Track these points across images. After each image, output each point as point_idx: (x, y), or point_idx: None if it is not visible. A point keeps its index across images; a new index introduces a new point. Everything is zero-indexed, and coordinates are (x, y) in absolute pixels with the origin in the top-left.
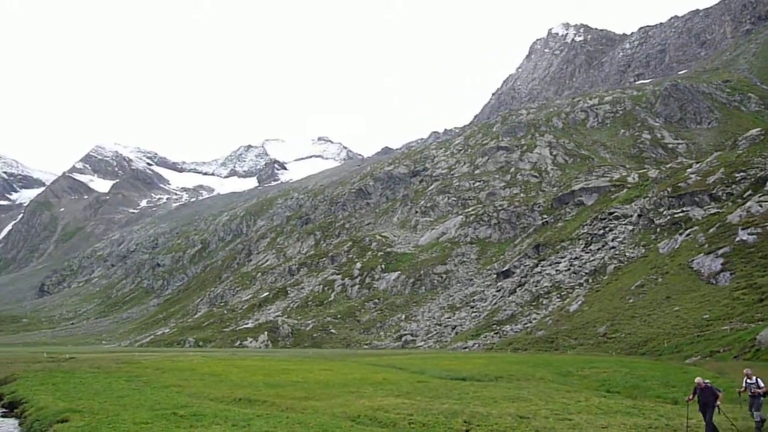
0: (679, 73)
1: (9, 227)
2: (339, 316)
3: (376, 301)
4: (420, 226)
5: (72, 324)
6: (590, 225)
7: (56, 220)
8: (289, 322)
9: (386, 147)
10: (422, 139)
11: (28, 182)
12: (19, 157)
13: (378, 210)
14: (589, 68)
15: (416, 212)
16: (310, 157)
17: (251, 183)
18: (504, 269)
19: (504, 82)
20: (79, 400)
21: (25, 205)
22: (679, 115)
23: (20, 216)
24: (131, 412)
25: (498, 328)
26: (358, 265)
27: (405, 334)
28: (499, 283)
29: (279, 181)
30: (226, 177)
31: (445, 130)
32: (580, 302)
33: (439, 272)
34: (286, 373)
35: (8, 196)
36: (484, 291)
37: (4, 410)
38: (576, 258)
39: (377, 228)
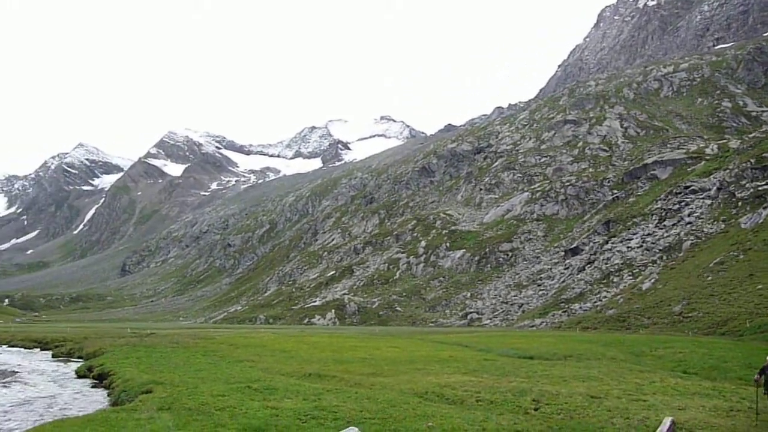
0: (764, 35)
1: (92, 211)
2: (404, 294)
3: (441, 279)
4: (485, 204)
5: (152, 301)
6: (664, 200)
7: (134, 203)
8: (355, 300)
9: (449, 124)
10: (486, 115)
11: (108, 168)
12: (99, 145)
13: (442, 188)
14: (663, 34)
15: (481, 189)
16: (373, 136)
17: (316, 164)
18: (572, 246)
19: (570, 53)
20: (161, 372)
21: (106, 190)
22: (764, 80)
23: (102, 200)
24: (209, 384)
25: (566, 306)
26: (423, 243)
27: (471, 312)
28: (567, 261)
29: (343, 161)
30: (291, 158)
31: (510, 105)
32: (653, 280)
33: (505, 250)
34: (353, 350)
35: (91, 181)
36: (551, 269)
37: (94, 381)
38: (649, 234)
39: (441, 206)
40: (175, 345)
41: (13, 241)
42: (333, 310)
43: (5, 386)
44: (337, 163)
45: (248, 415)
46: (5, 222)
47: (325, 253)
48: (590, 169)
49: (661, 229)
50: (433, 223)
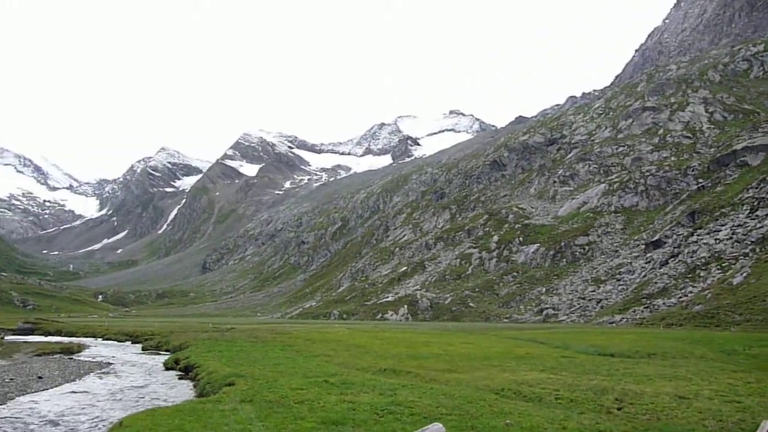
0: None
1: (175, 212)
2: (477, 289)
3: (515, 274)
4: (559, 197)
5: (230, 297)
6: (757, 188)
7: (213, 203)
8: (427, 295)
9: (520, 116)
10: (558, 105)
11: (189, 170)
12: (180, 148)
13: (514, 181)
14: (752, 10)
15: (554, 182)
16: (443, 131)
17: (386, 160)
18: (654, 239)
19: (648, 36)
20: (242, 366)
21: (186, 191)
22: None
23: (183, 201)
24: (287, 378)
25: (648, 301)
26: (495, 238)
27: (546, 308)
28: (649, 254)
29: (413, 157)
30: (361, 156)
31: (584, 93)
32: (745, 274)
33: (581, 244)
34: (427, 346)
35: (173, 183)
36: (631, 263)
37: (180, 373)
38: (739, 225)
39: (514, 200)
40: (253, 339)
41: (105, 241)
42: (405, 306)
43: (101, 377)
44: (407, 159)
45: (326, 408)
46: (98, 223)
47: (397, 249)
48: (672, 158)
49: (753, 219)
50: (506, 217)
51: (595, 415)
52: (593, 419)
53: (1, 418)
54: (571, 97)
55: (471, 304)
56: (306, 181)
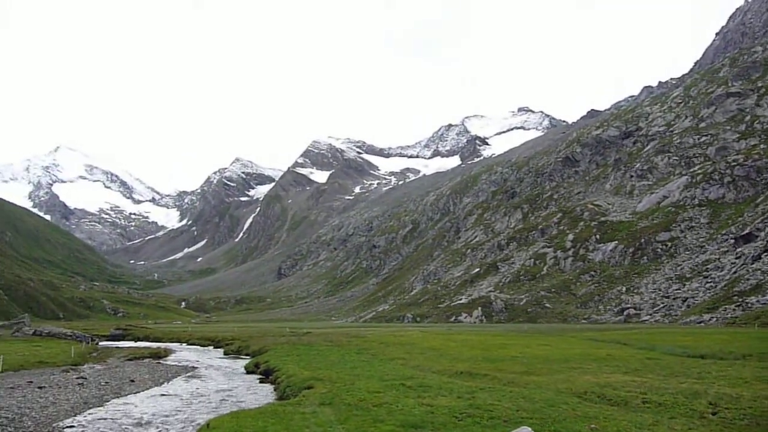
0: None
1: (250, 220)
2: (553, 289)
3: (593, 273)
4: (637, 191)
5: (305, 302)
6: None
7: (286, 210)
8: (501, 297)
9: (592, 110)
10: (633, 96)
11: (262, 179)
12: (253, 159)
13: (588, 177)
14: None
15: (631, 176)
16: (511, 129)
17: (454, 161)
18: (744, 233)
19: (730, 17)
20: (319, 369)
21: (260, 199)
22: None
23: (257, 209)
24: (364, 381)
25: (740, 299)
26: (570, 236)
27: (627, 308)
28: (739, 249)
29: (481, 157)
30: (429, 158)
31: (660, 83)
32: None
33: (663, 240)
34: (503, 348)
35: (247, 192)
36: (719, 258)
37: (261, 376)
38: None
39: (588, 196)
40: (330, 343)
41: (186, 250)
42: (479, 308)
43: (187, 380)
44: (476, 160)
45: (405, 411)
46: (178, 233)
47: (469, 250)
48: (762, 146)
49: None
50: (581, 214)
51: (687, 420)
52: (685, 424)
53: (99, 419)
54: (647, 87)
55: (547, 305)
56: (375, 185)
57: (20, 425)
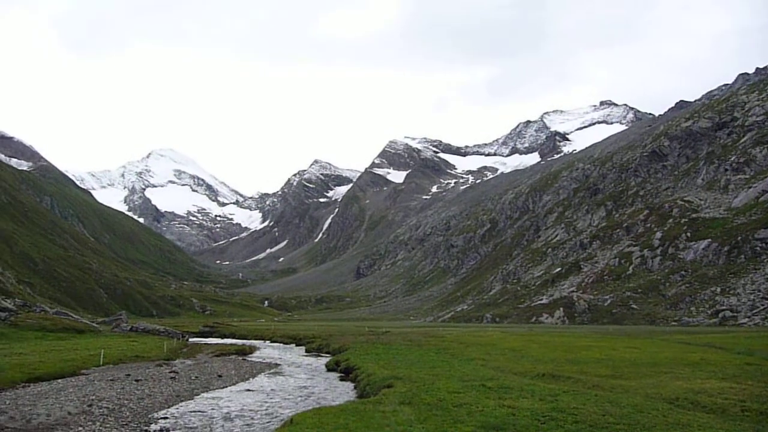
0: None
1: (329, 221)
2: (640, 290)
3: (683, 273)
4: (732, 186)
5: (384, 302)
6: None
7: (364, 211)
8: (584, 297)
9: (681, 101)
10: (727, 85)
11: (340, 180)
12: (331, 160)
13: (677, 172)
14: None
15: (726, 170)
16: (593, 124)
17: (533, 158)
18: None
19: None
20: (399, 369)
21: (339, 200)
22: None
23: (336, 210)
24: (444, 381)
25: None
26: (658, 234)
27: (723, 310)
28: None
29: (562, 153)
30: (507, 156)
31: (757, 69)
32: None
33: (763, 237)
34: (587, 350)
35: (326, 194)
36: None
37: (341, 374)
38: None
39: (677, 192)
40: (408, 343)
41: (268, 250)
42: (561, 308)
43: (271, 376)
44: (556, 156)
45: (485, 413)
46: (261, 234)
47: (549, 249)
48: None
49: None
50: (669, 211)
51: None
52: None
53: (190, 411)
54: (743, 74)
55: (633, 306)
56: (452, 184)
57: (120, 415)
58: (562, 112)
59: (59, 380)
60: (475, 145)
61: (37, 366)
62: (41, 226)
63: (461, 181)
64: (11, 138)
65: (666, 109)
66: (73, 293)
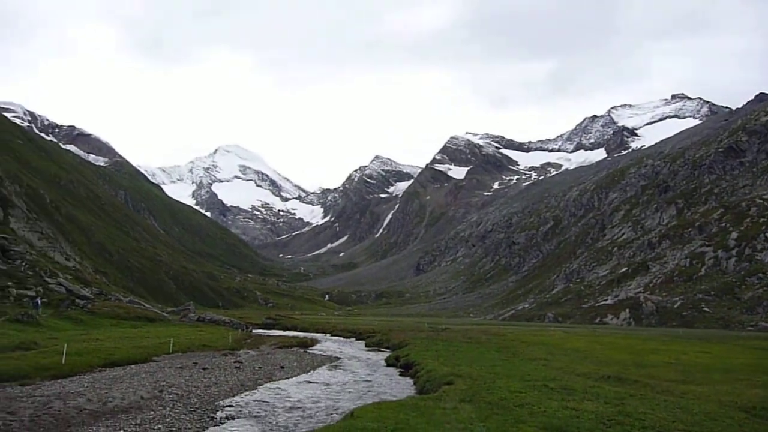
0: None
1: (389, 216)
2: (713, 292)
3: (761, 275)
4: None
5: (443, 298)
6: None
7: (424, 207)
8: (652, 298)
9: (761, 94)
10: None
11: (400, 176)
12: (392, 156)
13: (756, 169)
14: None
15: None
16: (664, 118)
17: (599, 155)
18: None
19: None
20: (459, 366)
21: (399, 196)
22: None
23: (396, 206)
24: (504, 380)
25: None
26: (734, 234)
27: None
28: None
29: (630, 149)
30: (572, 152)
31: None
32: None
33: None
34: (655, 353)
35: (387, 189)
36: None
37: (401, 370)
38: None
39: (756, 190)
40: (468, 340)
41: (329, 245)
42: (627, 310)
43: (332, 369)
44: (624, 152)
45: (548, 414)
46: (323, 229)
47: (615, 248)
48: None
49: None
50: (747, 210)
51: None
52: None
53: (254, 400)
54: None
55: (706, 309)
56: (515, 181)
57: (188, 401)
58: (630, 106)
59: (132, 366)
60: (538, 141)
61: (112, 351)
62: (116, 219)
63: (524, 177)
64: (89, 135)
65: (744, 103)
66: (144, 283)
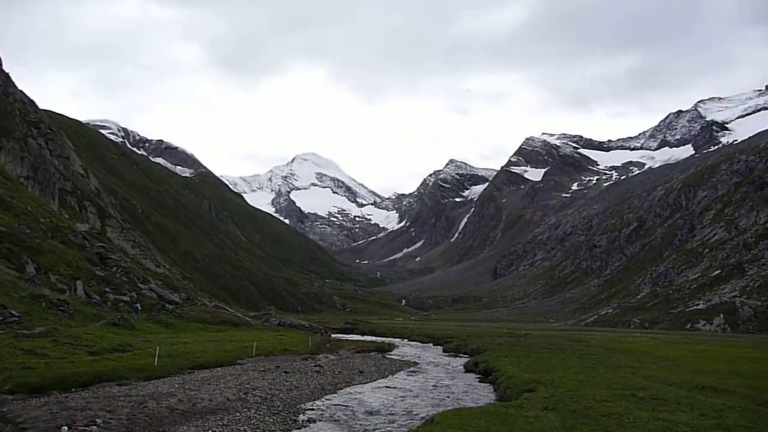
0: None
1: (465, 220)
2: None
3: None
4: None
5: (522, 303)
6: None
7: (500, 210)
8: (749, 303)
9: None
10: None
11: (475, 180)
12: (466, 160)
13: None
14: None
15: None
16: (758, 110)
17: (685, 151)
18: None
19: None
20: (540, 373)
21: (474, 199)
22: None
23: (472, 210)
24: (589, 388)
25: None
26: None
27: None
28: None
29: (720, 145)
30: (655, 149)
31: None
32: None
33: None
34: (755, 362)
35: (461, 193)
36: None
37: (480, 376)
38: None
39: None
40: (549, 346)
41: (405, 250)
42: (721, 315)
43: (410, 375)
44: (713, 148)
45: (637, 425)
46: (398, 234)
47: (706, 250)
48: None
49: None
50: None
51: None
52: None
53: (334, 404)
54: None
55: None
56: (594, 181)
57: (271, 404)
58: (719, 99)
59: (218, 369)
60: (618, 140)
61: (200, 354)
62: (201, 227)
63: (604, 177)
64: (176, 148)
65: None
66: (228, 288)
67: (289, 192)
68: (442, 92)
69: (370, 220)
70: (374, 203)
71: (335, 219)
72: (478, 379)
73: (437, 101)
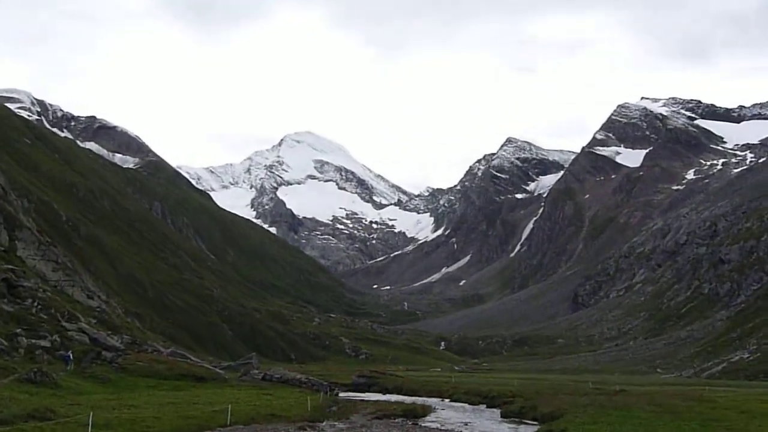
0: None
1: (530, 226)
2: None
3: None
4: None
5: (616, 345)
6: None
7: (581, 210)
8: None
9: None
10: None
11: (544, 167)
12: (531, 139)
13: None
14: None
15: None
16: None
17: None
18: None
19: None
20: None
21: (543, 196)
22: None
23: (540, 210)
24: None
25: None
26: None
27: None
28: None
29: None
30: None
31: None
32: None
33: None
34: None
35: (524, 187)
36: None
37: None
38: None
39: None
40: (656, 408)
41: (444, 270)
42: None
43: None
44: None
45: None
46: (433, 248)
47: None
48: None
49: None
50: None
51: None
52: None
53: None
54: None
55: None
56: (719, 166)
57: None
58: None
59: None
60: (754, 105)
61: (151, 423)
62: (151, 240)
63: (734, 161)
64: (114, 128)
65: None
66: (189, 328)
67: (276, 188)
68: (493, 42)
69: (392, 227)
70: (398, 203)
71: (343, 226)
72: None
73: (486, 55)
